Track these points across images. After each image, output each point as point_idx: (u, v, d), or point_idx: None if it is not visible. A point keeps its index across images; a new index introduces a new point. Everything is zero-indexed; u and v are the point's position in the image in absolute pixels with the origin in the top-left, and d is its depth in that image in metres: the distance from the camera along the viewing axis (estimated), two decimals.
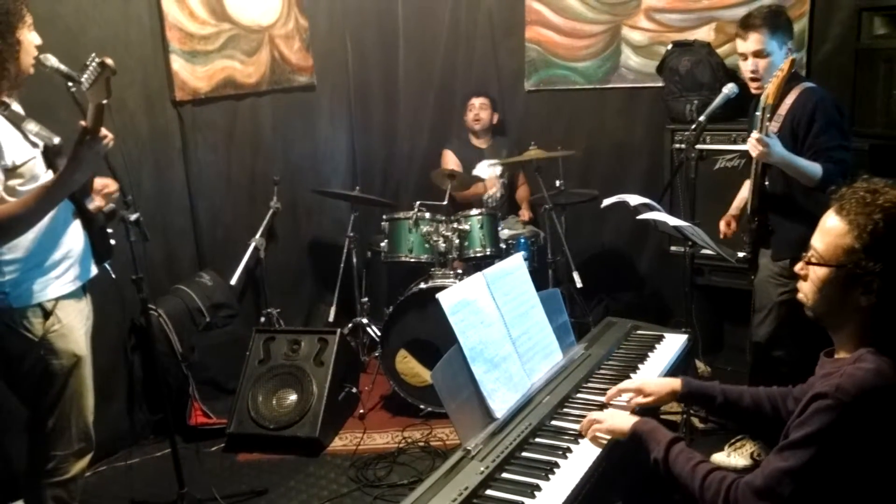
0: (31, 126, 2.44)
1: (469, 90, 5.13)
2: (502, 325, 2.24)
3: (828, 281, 1.64)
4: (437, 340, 3.66)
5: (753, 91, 3.15)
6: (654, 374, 2.45)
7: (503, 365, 2.17)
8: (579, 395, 2.31)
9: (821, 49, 4.25)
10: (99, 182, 2.66)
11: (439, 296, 2.07)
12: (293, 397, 3.76)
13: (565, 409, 2.22)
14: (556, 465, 1.91)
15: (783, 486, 1.55)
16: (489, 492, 1.81)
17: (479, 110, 4.96)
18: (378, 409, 4.11)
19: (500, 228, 4.29)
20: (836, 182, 1.74)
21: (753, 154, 2.95)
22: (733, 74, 4.17)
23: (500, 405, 2.09)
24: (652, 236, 4.77)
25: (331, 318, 4.68)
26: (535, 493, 1.80)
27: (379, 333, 4.19)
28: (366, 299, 4.63)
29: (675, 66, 4.40)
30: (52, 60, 2.49)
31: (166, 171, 4.01)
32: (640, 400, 2.17)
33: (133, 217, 2.75)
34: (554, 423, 2.14)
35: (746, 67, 3.14)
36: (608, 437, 1.99)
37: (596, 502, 1.92)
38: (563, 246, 4.32)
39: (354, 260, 4.62)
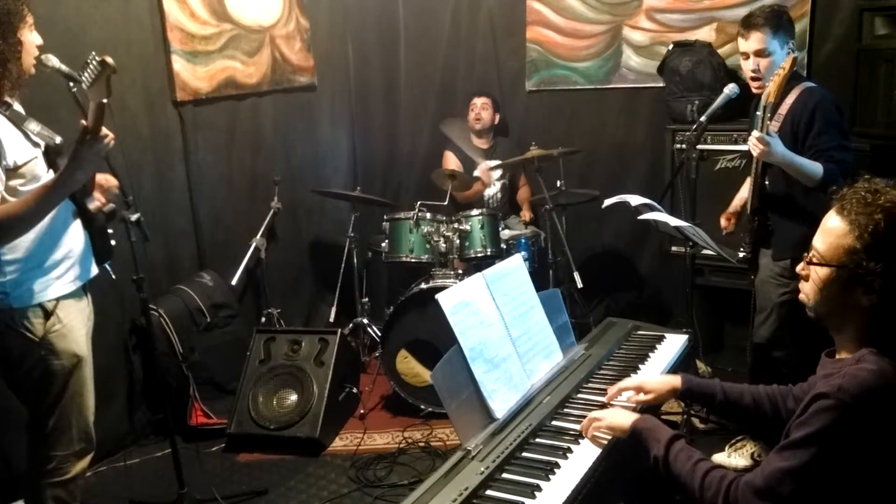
0: (33, 126, 2.44)
1: (471, 90, 5.13)
2: (502, 325, 2.24)
3: (829, 281, 1.64)
4: (437, 341, 3.66)
5: (754, 90, 3.15)
6: (654, 374, 2.44)
7: (503, 365, 2.17)
8: (580, 396, 2.31)
9: (822, 49, 4.25)
10: (100, 176, 2.66)
11: (439, 296, 2.07)
12: (293, 397, 3.76)
13: (566, 410, 2.22)
14: (557, 465, 1.91)
15: (783, 486, 1.55)
16: (489, 492, 1.81)
17: (480, 110, 4.96)
18: (378, 410, 4.11)
19: (500, 229, 4.29)
20: (836, 182, 1.74)
21: (754, 153, 2.95)
22: (734, 75, 4.18)
23: (501, 405, 2.09)
24: (653, 236, 4.77)
25: (331, 319, 4.68)
26: (536, 493, 1.80)
27: (379, 334, 4.19)
28: (366, 299, 4.63)
29: (676, 67, 4.40)
30: (53, 60, 2.49)
31: (167, 171, 4.01)
32: (641, 397, 2.17)
33: (134, 217, 2.75)
34: (554, 423, 2.14)
35: (747, 67, 3.14)
36: (608, 434, 1.99)
37: (596, 502, 1.92)
38: (563, 246, 4.32)
39: (355, 260, 4.61)
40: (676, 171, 3.89)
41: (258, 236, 4.29)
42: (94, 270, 2.66)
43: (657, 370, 2.50)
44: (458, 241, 4.11)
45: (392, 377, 3.96)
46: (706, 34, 4.56)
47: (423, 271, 4.22)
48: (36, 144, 2.45)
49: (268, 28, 4.55)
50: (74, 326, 2.52)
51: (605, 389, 2.28)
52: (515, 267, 2.43)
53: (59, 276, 2.47)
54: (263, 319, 4.36)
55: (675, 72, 4.40)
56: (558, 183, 4.49)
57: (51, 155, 2.48)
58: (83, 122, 2.28)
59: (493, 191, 4.97)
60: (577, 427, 2.08)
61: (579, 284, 4.15)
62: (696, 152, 3.39)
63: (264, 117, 4.62)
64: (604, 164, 5.06)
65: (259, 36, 4.49)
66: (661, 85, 4.58)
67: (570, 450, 1.98)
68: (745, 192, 3.39)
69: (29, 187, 2.37)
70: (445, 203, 4.35)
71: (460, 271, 4.09)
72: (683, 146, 4.08)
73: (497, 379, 2.12)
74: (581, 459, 1.94)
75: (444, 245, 4.09)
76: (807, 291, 1.72)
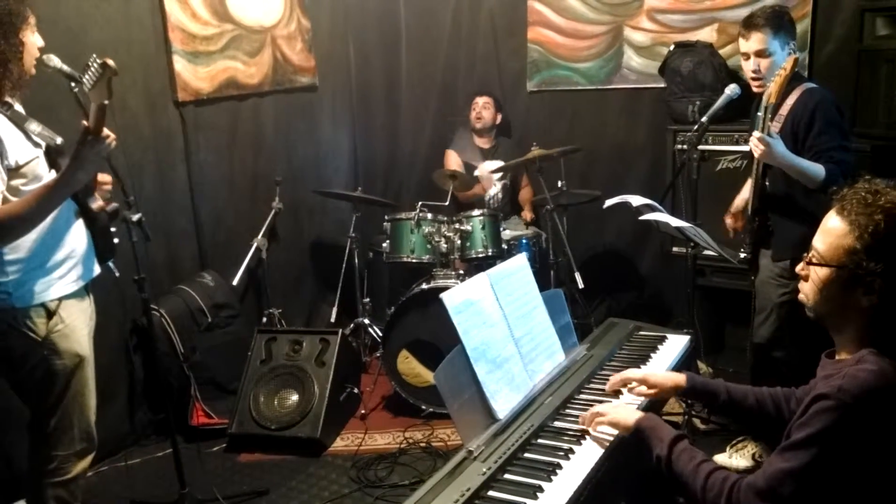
0: (34, 126, 2.44)
1: (473, 89, 5.14)
2: (505, 325, 2.24)
3: (829, 281, 1.64)
4: (438, 341, 3.67)
5: (755, 90, 3.14)
6: (659, 369, 2.44)
7: (506, 365, 2.17)
8: (582, 396, 2.31)
9: (823, 50, 4.25)
10: (98, 176, 2.66)
11: (443, 296, 2.07)
12: (294, 398, 3.76)
13: (568, 410, 2.21)
14: (559, 465, 1.91)
15: (785, 487, 1.56)
16: (491, 493, 1.81)
17: (481, 109, 4.97)
18: (379, 410, 4.11)
19: (501, 229, 4.29)
20: (837, 183, 1.74)
21: (755, 154, 2.95)
22: (735, 75, 4.17)
23: (503, 406, 2.09)
24: (654, 237, 4.77)
25: (332, 319, 4.68)
26: (538, 493, 1.80)
27: (380, 334, 4.20)
28: (367, 300, 4.63)
29: (677, 67, 4.40)
30: (54, 61, 2.50)
31: (168, 171, 4.01)
32: (644, 390, 2.17)
33: (135, 217, 2.75)
34: (556, 423, 2.14)
35: (748, 67, 3.14)
36: (610, 430, 1.99)
37: (598, 503, 1.92)
38: (564, 247, 4.32)
39: (356, 260, 4.61)
40: (677, 172, 3.89)
41: (259, 236, 4.29)
42: (97, 270, 2.67)
43: (659, 370, 2.50)
44: (459, 242, 4.11)
45: (393, 377, 3.97)
46: (707, 35, 4.56)
47: (424, 272, 4.23)
48: (37, 144, 2.45)
49: (269, 28, 4.55)
50: (77, 326, 2.53)
51: (607, 390, 2.29)
52: (519, 267, 2.43)
53: (62, 276, 2.47)
54: (264, 319, 4.36)
55: (677, 72, 4.40)
56: (559, 183, 4.50)
57: (52, 155, 2.48)
58: (84, 122, 2.28)
59: (494, 191, 4.97)
60: (579, 427, 2.08)
61: (580, 285, 4.15)
62: (698, 153, 3.39)
63: (265, 117, 4.62)
64: (605, 164, 5.07)
65: (260, 36, 4.49)
66: (663, 85, 4.59)
67: (572, 450, 1.98)
68: (746, 193, 3.39)
69: (31, 187, 2.38)
70: (447, 203, 4.36)
71: (461, 272, 4.09)
72: (684, 147, 4.07)
73: (499, 379, 2.12)
74: (583, 460, 1.94)
75: (445, 245, 4.09)
76: (806, 292, 1.72)
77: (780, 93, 2.90)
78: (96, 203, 2.60)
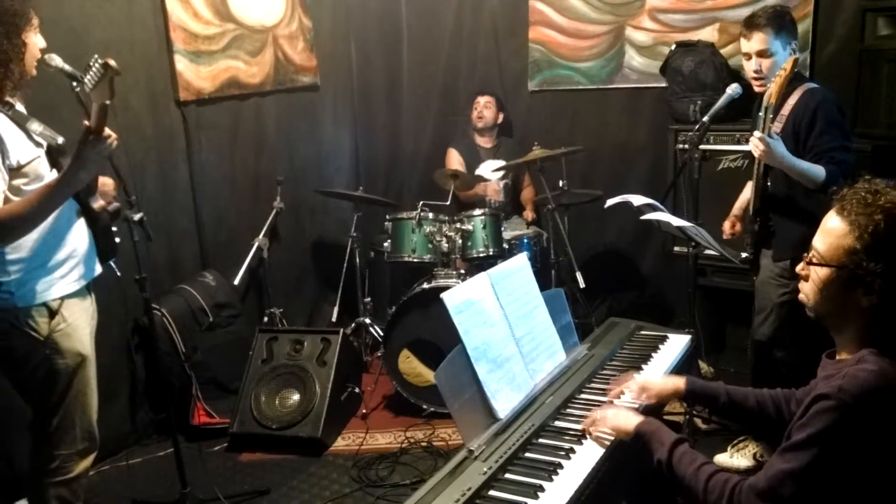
0: (35, 126, 2.45)
1: (475, 88, 5.14)
2: (506, 325, 2.24)
3: (829, 281, 1.64)
4: (439, 340, 3.67)
5: (756, 89, 3.14)
6: (657, 375, 2.44)
7: (506, 365, 2.17)
8: (582, 396, 2.31)
9: (824, 50, 4.25)
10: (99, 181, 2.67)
11: (444, 296, 2.07)
12: (296, 397, 3.77)
13: (569, 410, 2.22)
14: (560, 465, 1.91)
15: (785, 488, 1.56)
16: (492, 492, 1.81)
17: (482, 108, 4.97)
18: (380, 409, 4.11)
19: (503, 229, 4.29)
20: (838, 184, 1.74)
21: (755, 154, 2.95)
22: (737, 75, 4.17)
23: (504, 405, 2.09)
24: (655, 237, 4.77)
25: (334, 318, 4.68)
26: (539, 493, 1.80)
27: (382, 333, 4.19)
28: (369, 299, 4.63)
29: (679, 67, 4.40)
30: (56, 60, 2.50)
31: (170, 170, 4.02)
32: (644, 398, 2.17)
33: (137, 217, 2.76)
34: (557, 423, 2.14)
35: (750, 67, 3.14)
36: (611, 435, 1.99)
37: (599, 503, 1.92)
38: (566, 246, 4.32)
39: (357, 260, 4.62)
40: (679, 172, 3.89)
41: (261, 236, 4.29)
42: (98, 269, 2.67)
43: (660, 370, 2.50)
44: (460, 241, 4.11)
45: (394, 377, 3.97)
46: (709, 34, 4.56)
47: (425, 271, 4.23)
48: (38, 144, 2.45)
49: (271, 28, 4.55)
50: (79, 325, 2.53)
51: (607, 390, 2.29)
52: (520, 266, 2.43)
53: (64, 276, 2.48)
54: (266, 319, 4.37)
55: (678, 72, 4.40)
56: (561, 183, 4.50)
57: (53, 155, 2.49)
58: (86, 122, 2.28)
59: (493, 194, 4.97)
60: (580, 427, 2.08)
61: (581, 284, 4.15)
62: (699, 152, 3.39)
63: (267, 117, 4.63)
64: (606, 164, 5.07)
65: (262, 36, 4.49)
66: (664, 85, 4.58)
67: (572, 450, 1.98)
68: (747, 195, 3.39)
69: (32, 187, 2.38)
70: (448, 203, 4.36)
71: (462, 271, 4.09)
72: (686, 146, 4.08)
73: (500, 379, 2.12)
74: (584, 460, 1.95)
75: (446, 245, 4.09)
76: (807, 292, 1.72)
77: (780, 93, 2.90)
78: (98, 203, 2.61)
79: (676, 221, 3.16)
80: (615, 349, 2.65)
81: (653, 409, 2.22)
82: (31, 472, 2.62)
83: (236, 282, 4.16)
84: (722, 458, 3.38)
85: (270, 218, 4.38)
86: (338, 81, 5.25)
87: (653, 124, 4.82)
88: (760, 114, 2.94)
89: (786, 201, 3.08)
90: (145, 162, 3.84)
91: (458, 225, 4.13)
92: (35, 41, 2.42)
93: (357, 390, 4.06)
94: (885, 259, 1.55)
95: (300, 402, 3.74)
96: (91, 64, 2.24)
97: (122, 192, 2.77)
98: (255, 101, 4.52)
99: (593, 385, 2.39)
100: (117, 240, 2.72)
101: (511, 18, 5.18)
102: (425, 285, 3.98)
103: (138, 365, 3.81)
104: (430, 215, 4.17)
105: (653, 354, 2.62)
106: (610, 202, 3.43)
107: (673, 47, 4.52)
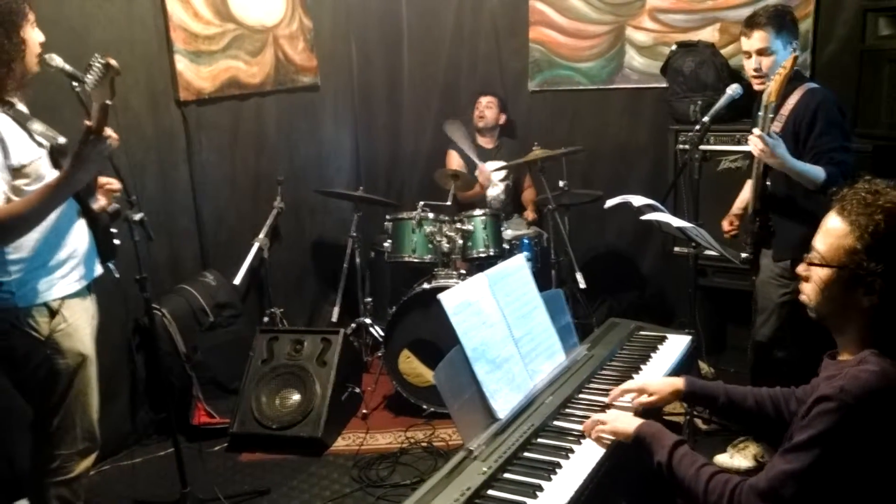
0: (37, 126, 2.45)
1: (477, 88, 5.15)
2: (504, 325, 2.24)
3: (830, 282, 1.64)
4: (439, 341, 3.66)
5: (756, 87, 3.14)
6: (657, 375, 2.44)
7: (505, 366, 2.17)
8: (582, 396, 2.31)
9: (825, 49, 4.25)
10: (102, 178, 2.67)
11: (441, 297, 2.07)
12: (296, 397, 3.77)
13: (568, 410, 2.22)
14: (559, 465, 1.91)
15: (787, 488, 1.55)
16: (491, 492, 1.81)
17: (484, 108, 4.98)
18: (381, 410, 4.12)
19: (503, 229, 4.29)
20: (837, 184, 1.74)
21: (755, 152, 2.95)
22: (737, 75, 4.17)
23: (503, 406, 2.09)
24: (655, 237, 4.77)
25: (334, 318, 4.68)
26: (538, 493, 1.80)
27: (382, 333, 4.20)
28: (369, 299, 4.63)
29: (680, 67, 4.40)
30: (56, 60, 2.50)
31: (170, 171, 4.02)
32: (643, 399, 2.17)
33: (137, 217, 2.76)
34: (556, 423, 2.14)
35: (750, 65, 3.14)
36: (612, 438, 1.99)
37: (599, 503, 1.92)
38: (566, 246, 4.32)
39: (358, 260, 4.62)
40: (679, 172, 3.89)
41: (261, 236, 4.29)
42: (99, 270, 2.67)
43: (660, 371, 2.50)
44: (460, 242, 4.11)
45: (394, 377, 3.97)
46: (709, 34, 4.56)
47: (425, 271, 4.23)
48: (40, 144, 2.46)
49: (271, 28, 4.56)
50: (79, 325, 2.53)
51: (607, 390, 2.29)
52: (518, 267, 2.43)
53: (64, 276, 2.48)
54: (266, 319, 4.37)
55: (679, 72, 4.40)
56: (561, 183, 4.49)
57: (55, 155, 2.49)
58: (87, 121, 2.28)
59: (496, 191, 4.98)
60: (580, 427, 2.08)
61: (582, 285, 4.15)
62: (699, 153, 3.39)
63: (268, 117, 4.63)
64: (606, 164, 5.07)
65: (262, 36, 4.49)
66: (665, 85, 4.58)
67: (572, 450, 1.98)
68: (746, 195, 3.39)
69: (34, 187, 2.38)
70: (448, 203, 4.36)
71: (463, 271, 4.09)
72: (686, 147, 4.08)
73: (499, 379, 2.12)
74: (583, 460, 1.95)
75: (446, 245, 4.10)
76: (807, 292, 1.72)
77: (779, 91, 2.90)
78: (98, 203, 2.61)
79: (677, 222, 3.16)
80: (615, 350, 2.65)
81: (652, 411, 2.22)
82: (32, 471, 2.62)
83: (237, 282, 4.16)
84: (722, 459, 3.38)
85: (271, 218, 4.38)
86: (338, 81, 5.25)
87: (653, 124, 4.82)
88: (760, 113, 2.94)
89: (786, 201, 3.08)
90: (145, 162, 3.84)
91: (458, 225, 4.13)
92: (34, 36, 2.42)
93: (357, 390, 4.06)
94: (885, 259, 1.55)
95: (300, 402, 3.74)
96: (92, 63, 2.25)
97: (123, 192, 2.77)
98: (255, 101, 4.52)
99: (593, 385, 2.39)
100: (117, 241, 2.72)
101: (511, 18, 5.18)
102: (426, 285, 3.98)
103: (139, 365, 3.82)
104: (431, 215, 4.17)
105: (652, 355, 2.61)
106: (610, 202, 3.43)
107: (673, 47, 4.52)
